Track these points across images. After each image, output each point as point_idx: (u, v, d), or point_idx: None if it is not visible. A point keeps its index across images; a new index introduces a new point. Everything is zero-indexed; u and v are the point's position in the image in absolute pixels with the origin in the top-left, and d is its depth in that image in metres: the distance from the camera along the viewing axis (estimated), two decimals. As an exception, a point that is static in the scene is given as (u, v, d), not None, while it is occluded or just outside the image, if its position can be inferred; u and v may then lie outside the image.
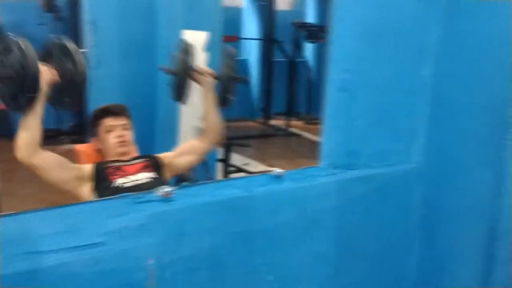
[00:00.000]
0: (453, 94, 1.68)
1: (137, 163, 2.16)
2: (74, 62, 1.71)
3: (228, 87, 2.08)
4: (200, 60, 2.82)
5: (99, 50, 2.80)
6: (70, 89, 1.74)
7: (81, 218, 1.16)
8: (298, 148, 6.14)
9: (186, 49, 2.13)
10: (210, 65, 2.84)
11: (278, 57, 6.93)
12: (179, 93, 2.17)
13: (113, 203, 1.22)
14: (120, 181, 2.03)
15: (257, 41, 7.25)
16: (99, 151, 2.29)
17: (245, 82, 2.08)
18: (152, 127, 2.99)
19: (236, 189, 1.38)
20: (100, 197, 2.00)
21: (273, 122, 7.13)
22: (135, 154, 2.38)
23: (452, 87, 1.68)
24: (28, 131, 1.72)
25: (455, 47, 1.64)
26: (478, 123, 1.63)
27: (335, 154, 1.55)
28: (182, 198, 1.28)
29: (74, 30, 5.42)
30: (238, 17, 7.28)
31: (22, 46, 1.54)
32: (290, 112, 6.93)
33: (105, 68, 2.84)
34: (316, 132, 6.83)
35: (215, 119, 2.19)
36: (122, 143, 2.18)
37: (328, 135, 1.54)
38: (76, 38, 5.36)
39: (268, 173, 1.45)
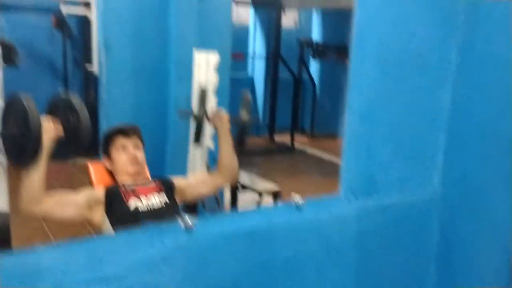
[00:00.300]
0: (470, 122, 1.69)
1: (150, 185, 2.15)
2: (78, 117, 1.73)
3: (244, 130, 2.14)
4: (212, 80, 2.84)
5: (111, 70, 2.81)
6: (75, 143, 1.75)
7: (104, 251, 1.15)
8: (303, 165, 6.15)
9: (202, 96, 2.21)
10: (220, 90, 2.87)
11: (284, 74, 6.97)
12: (197, 136, 2.25)
13: (135, 235, 1.21)
14: (134, 204, 2.02)
15: (262, 58, 7.29)
16: (110, 171, 2.29)
17: (258, 124, 2.21)
18: (163, 147, 2.99)
19: (257, 219, 1.37)
20: (113, 220, 1.99)
21: (278, 137, 7.15)
22: (147, 174, 2.37)
23: (469, 115, 1.68)
24: (31, 186, 1.73)
25: (471, 76, 1.65)
26: (496, 150, 1.63)
27: (355, 182, 1.55)
28: (204, 229, 1.27)
29: (84, 48, 5.48)
30: (244, 34, 7.33)
31: (25, 105, 1.55)
32: (295, 128, 6.95)
33: (117, 88, 2.85)
34: (320, 148, 6.84)
35: (230, 160, 2.22)
36: (134, 161, 2.18)
37: (347, 163, 1.53)
38: (86, 56, 5.43)
39: (288, 202, 1.44)
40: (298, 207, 1.44)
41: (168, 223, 1.28)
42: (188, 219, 1.26)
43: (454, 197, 1.74)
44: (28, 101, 1.56)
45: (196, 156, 2.81)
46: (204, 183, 2.25)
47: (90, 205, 1.97)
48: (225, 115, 2.20)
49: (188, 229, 1.25)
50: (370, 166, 1.56)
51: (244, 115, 2.10)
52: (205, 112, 2.17)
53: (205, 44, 3.04)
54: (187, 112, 2.29)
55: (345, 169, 1.53)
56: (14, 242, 2.39)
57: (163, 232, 1.22)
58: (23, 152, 1.60)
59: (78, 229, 3.59)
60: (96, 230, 2.10)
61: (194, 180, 2.30)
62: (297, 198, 1.44)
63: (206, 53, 2.89)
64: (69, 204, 1.90)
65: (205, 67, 2.83)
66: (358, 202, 1.55)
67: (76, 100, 1.75)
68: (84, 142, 1.73)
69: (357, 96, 1.51)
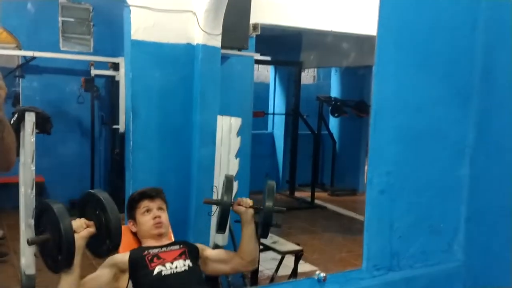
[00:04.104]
0: (489, 192, 1.72)
1: (174, 249, 2.19)
2: (107, 211, 1.76)
3: (269, 218, 2.16)
4: (235, 144, 2.92)
5: (138, 135, 2.94)
6: (107, 237, 1.77)
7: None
8: (323, 221, 6.12)
9: (228, 184, 2.25)
10: (241, 148, 2.95)
11: (303, 130, 7.07)
12: (221, 223, 2.27)
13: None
14: (158, 269, 2.05)
15: (282, 114, 7.44)
16: (135, 234, 2.34)
17: (283, 212, 2.18)
18: (187, 209, 3.05)
19: (282, 295, 1.40)
20: (138, 285, 2.02)
21: (298, 193, 7.15)
22: (171, 236, 2.41)
23: (488, 185, 1.71)
24: None
25: (488, 148, 1.70)
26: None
27: (377, 256, 1.57)
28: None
29: (110, 106, 5.72)
30: (265, 92, 7.54)
31: (55, 210, 1.61)
32: (315, 183, 6.96)
33: (143, 152, 2.96)
34: (340, 204, 6.81)
35: (252, 248, 2.25)
36: (158, 224, 2.24)
37: (369, 237, 1.56)
38: (112, 114, 5.65)
39: (311, 276, 1.47)
40: (320, 282, 1.46)
41: None
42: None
43: (477, 265, 1.74)
44: (58, 206, 1.62)
45: (218, 239, 2.85)
46: (226, 263, 2.27)
47: (117, 276, 2.02)
48: (249, 202, 2.25)
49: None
50: (392, 239, 1.58)
51: (267, 203, 2.13)
52: (229, 200, 2.22)
53: (228, 108, 3.17)
54: (214, 201, 2.35)
55: (367, 243, 1.56)
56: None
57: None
58: (57, 258, 1.64)
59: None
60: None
61: (217, 256, 2.31)
62: (320, 273, 1.46)
63: (228, 118, 3.00)
64: (103, 283, 1.94)
65: (228, 132, 2.93)
66: (381, 276, 1.57)
67: (104, 195, 1.79)
68: (117, 233, 1.75)
69: (377, 171, 1.56)
